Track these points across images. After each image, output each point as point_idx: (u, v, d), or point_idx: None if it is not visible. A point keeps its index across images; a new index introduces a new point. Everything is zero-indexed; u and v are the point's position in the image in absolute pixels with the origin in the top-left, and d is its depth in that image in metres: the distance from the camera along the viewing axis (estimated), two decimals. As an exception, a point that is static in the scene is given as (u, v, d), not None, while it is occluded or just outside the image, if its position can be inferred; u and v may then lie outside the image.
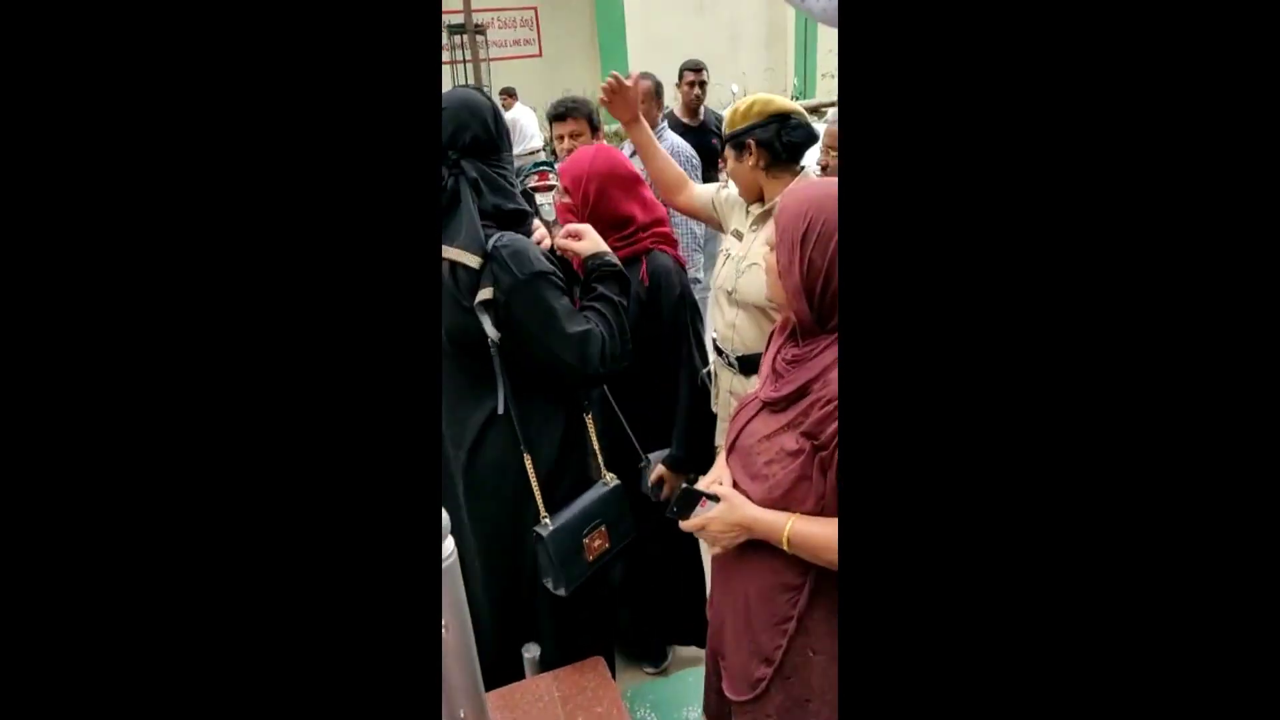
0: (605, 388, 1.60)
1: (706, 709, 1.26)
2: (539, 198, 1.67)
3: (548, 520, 1.34)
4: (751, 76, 8.82)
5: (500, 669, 1.37)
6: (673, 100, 3.80)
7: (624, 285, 1.42)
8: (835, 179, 0.97)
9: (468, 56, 7.35)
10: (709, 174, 3.26)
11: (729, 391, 1.69)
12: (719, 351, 1.73)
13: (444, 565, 0.84)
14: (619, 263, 1.43)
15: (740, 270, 1.60)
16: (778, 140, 1.51)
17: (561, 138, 2.30)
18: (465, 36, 7.25)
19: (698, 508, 1.10)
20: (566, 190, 1.64)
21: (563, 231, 1.45)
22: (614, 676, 1.38)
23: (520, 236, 1.31)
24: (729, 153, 1.59)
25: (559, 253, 1.45)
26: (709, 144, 3.49)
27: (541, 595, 1.39)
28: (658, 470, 1.69)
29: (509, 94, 7.12)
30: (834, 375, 0.97)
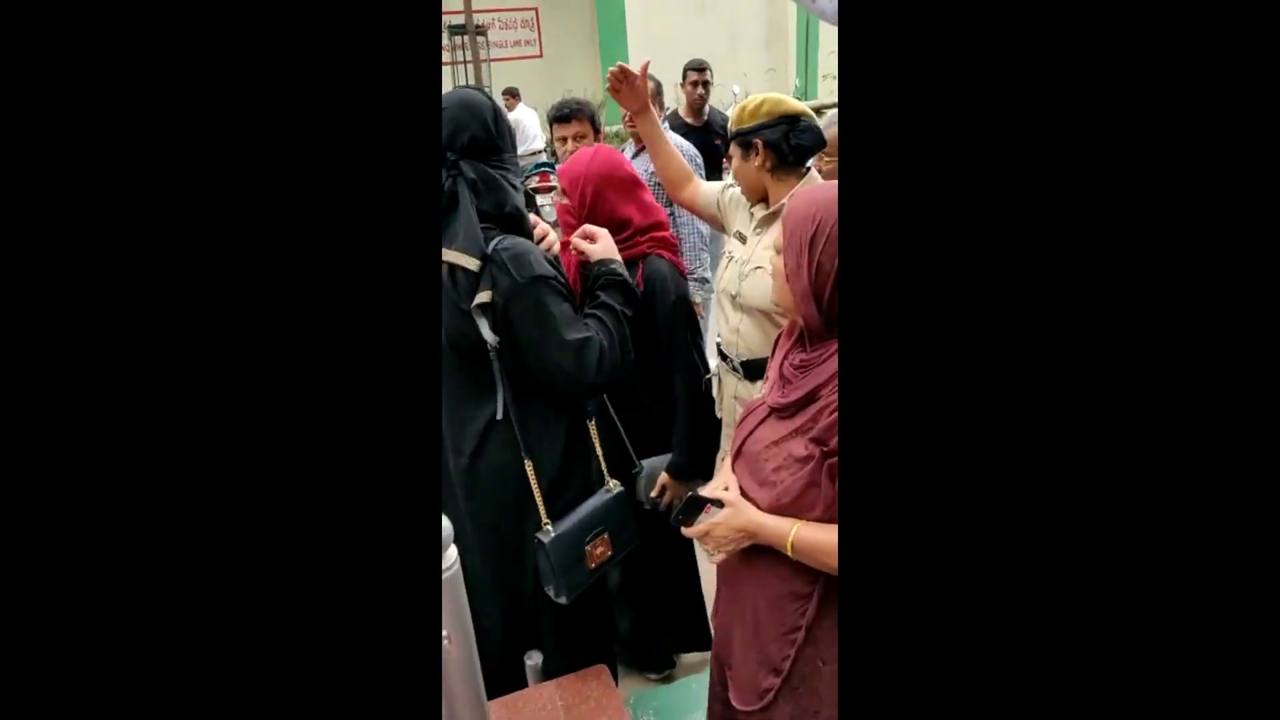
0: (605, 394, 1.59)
1: (711, 718, 1.25)
2: (540, 198, 1.66)
3: (549, 527, 1.33)
4: (753, 77, 8.81)
5: (502, 676, 1.35)
6: (674, 101, 3.79)
7: (629, 295, 1.39)
8: (844, 182, 0.95)
9: (468, 57, 7.36)
10: (712, 174, 3.24)
11: (733, 397, 1.67)
12: (723, 356, 1.71)
13: (447, 575, 0.83)
14: (626, 272, 1.41)
15: (744, 274, 1.58)
16: (785, 142, 1.49)
17: (564, 139, 2.28)
18: (466, 37, 7.25)
19: (702, 514, 1.09)
20: (565, 192, 1.63)
21: (579, 231, 1.44)
22: (616, 683, 1.37)
23: (522, 239, 1.29)
24: (734, 150, 1.57)
25: (575, 253, 1.43)
26: (713, 144, 3.48)
27: (544, 602, 1.38)
28: (661, 479, 1.68)
29: (512, 94, 7.13)
30: (843, 380, 0.95)
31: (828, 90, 9.87)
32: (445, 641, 0.84)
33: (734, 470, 1.11)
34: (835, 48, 1.07)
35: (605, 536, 1.39)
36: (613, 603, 1.58)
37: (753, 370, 1.60)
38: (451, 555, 0.83)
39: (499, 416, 1.31)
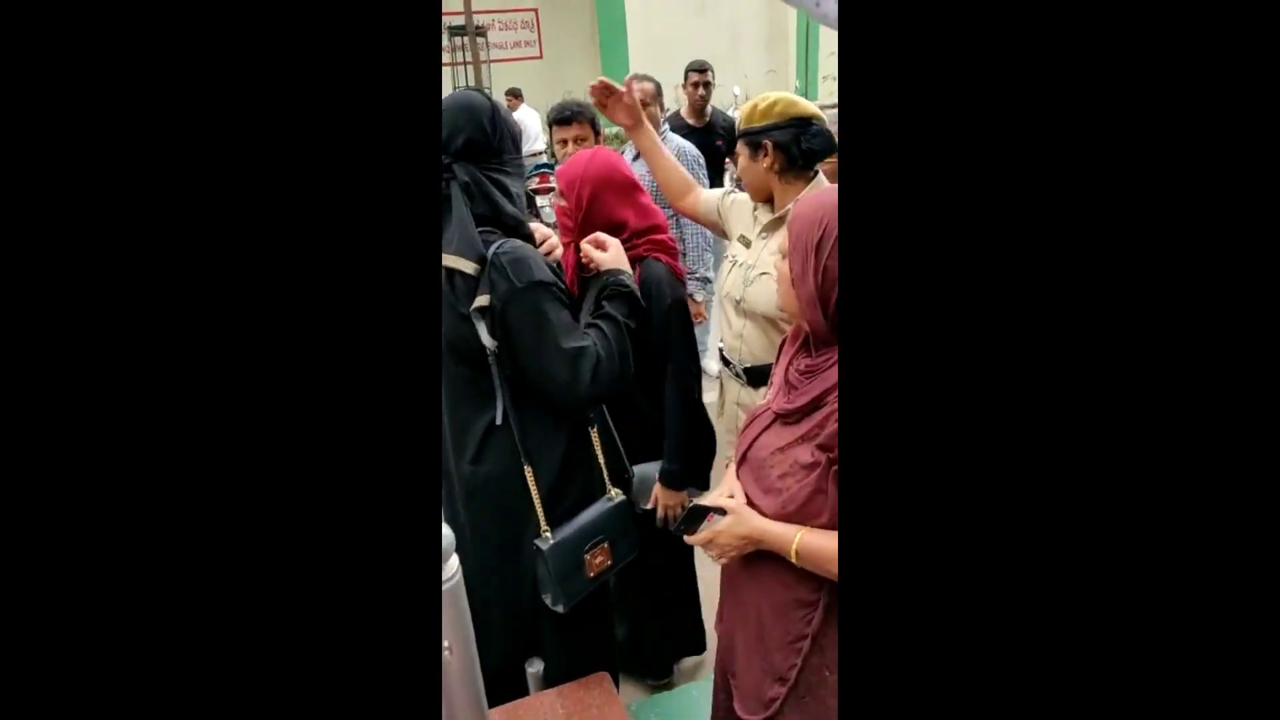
0: None
1: (715, 726, 1.23)
2: (540, 200, 1.65)
3: (548, 534, 1.31)
4: (753, 79, 8.80)
5: (503, 683, 1.34)
6: (674, 102, 3.78)
7: (634, 307, 1.37)
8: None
9: (468, 58, 7.34)
10: (713, 174, 3.24)
11: (736, 403, 1.66)
12: (725, 362, 1.69)
13: (449, 585, 0.82)
14: (633, 284, 1.38)
15: (749, 279, 1.56)
16: (796, 145, 1.47)
17: (564, 142, 2.26)
18: (466, 38, 7.24)
19: (704, 522, 1.07)
20: (562, 194, 1.61)
21: (589, 238, 1.42)
22: (617, 690, 1.36)
23: (523, 244, 1.27)
24: (742, 149, 1.54)
25: (584, 260, 1.41)
26: (714, 145, 3.47)
27: (544, 609, 1.37)
28: (654, 492, 1.65)
29: (515, 95, 7.12)
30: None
31: (828, 91, 9.86)
32: (446, 652, 0.83)
33: (738, 477, 1.10)
34: (835, 49, 1.06)
35: (605, 546, 1.37)
36: (613, 609, 1.57)
37: (756, 377, 1.58)
38: (453, 565, 0.82)
39: (498, 422, 1.29)
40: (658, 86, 2.99)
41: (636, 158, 2.70)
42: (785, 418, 1.02)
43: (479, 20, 7.62)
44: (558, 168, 1.75)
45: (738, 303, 1.59)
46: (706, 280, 2.97)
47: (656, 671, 2.02)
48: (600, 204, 1.56)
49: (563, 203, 1.62)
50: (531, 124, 6.89)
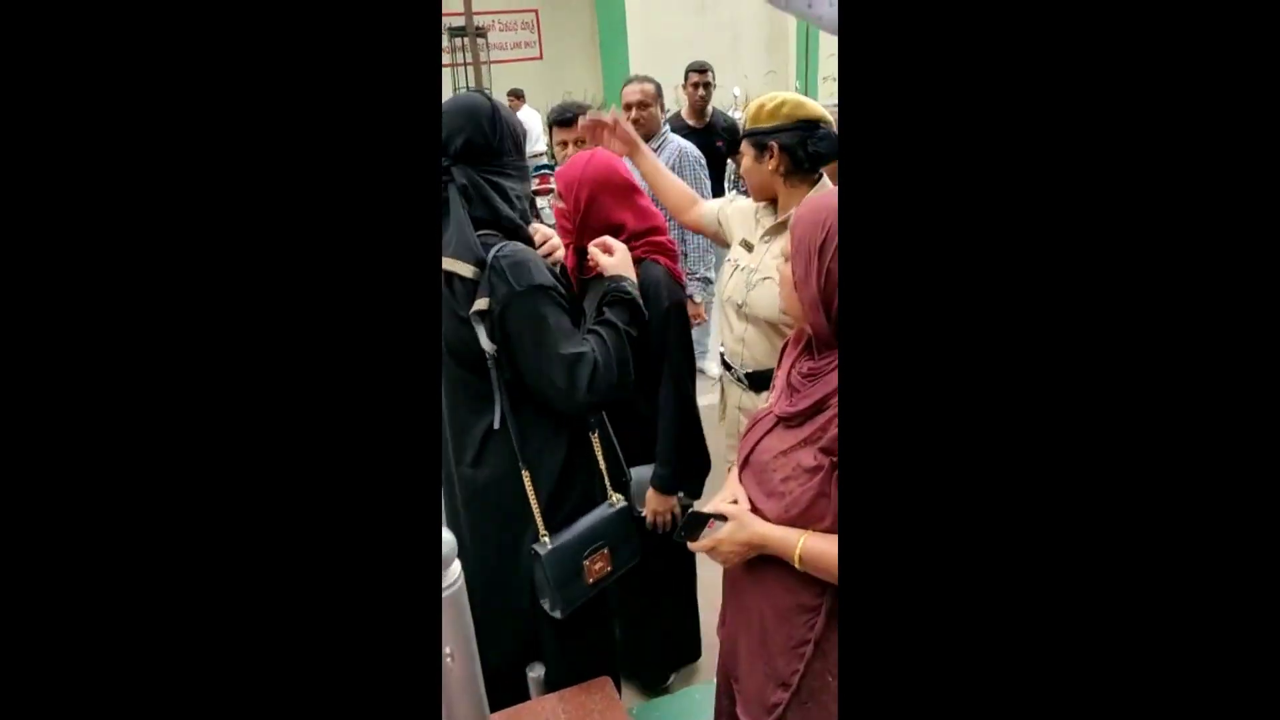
0: None
1: (717, 731, 1.23)
2: (540, 200, 1.64)
3: (546, 539, 1.31)
4: (754, 79, 8.79)
5: (504, 686, 1.33)
6: (674, 103, 3.77)
7: (635, 314, 1.36)
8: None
9: (468, 59, 7.34)
10: (714, 175, 3.23)
11: (737, 408, 1.65)
12: (727, 366, 1.68)
13: (450, 592, 0.81)
14: (636, 291, 1.37)
15: (751, 283, 1.55)
16: (802, 148, 1.46)
17: (564, 144, 2.25)
18: (466, 39, 7.24)
19: (706, 529, 1.07)
20: (560, 195, 1.61)
21: (596, 241, 1.41)
22: (619, 695, 1.35)
23: (524, 247, 1.26)
24: (747, 149, 1.53)
25: (590, 263, 1.40)
26: (714, 146, 3.46)
27: (544, 614, 1.36)
28: (649, 496, 1.63)
29: (517, 95, 7.11)
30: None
31: (828, 92, 9.86)
32: (447, 659, 0.83)
33: (741, 481, 1.09)
34: (835, 51, 1.05)
35: (605, 551, 1.36)
36: (613, 614, 1.56)
37: (758, 381, 1.57)
38: (455, 571, 0.82)
39: (496, 426, 1.29)
40: (658, 87, 2.98)
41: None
42: (788, 421, 1.02)
43: (479, 21, 7.62)
44: (557, 169, 1.74)
45: (739, 307, 1.58)
46: (708, 281, 2.97)
47: (652, 679, 2.00)
48: (598, 206, 1.56)
49: (562, 204, 1.61)
50: (533, 125, 6.89)
